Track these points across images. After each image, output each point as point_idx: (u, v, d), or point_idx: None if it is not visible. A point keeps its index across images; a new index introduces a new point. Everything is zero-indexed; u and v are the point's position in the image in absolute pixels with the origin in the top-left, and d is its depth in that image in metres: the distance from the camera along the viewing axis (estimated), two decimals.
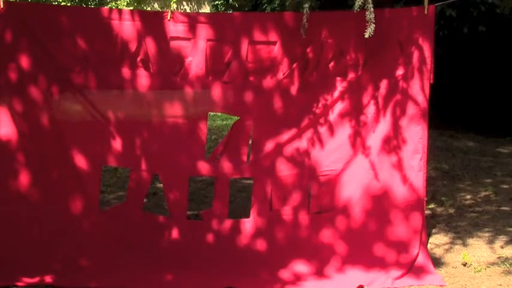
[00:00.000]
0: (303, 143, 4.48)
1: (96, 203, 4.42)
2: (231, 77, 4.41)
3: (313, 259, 4.40)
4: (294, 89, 4.46)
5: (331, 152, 4.45)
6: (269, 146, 4.46)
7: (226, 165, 4.45)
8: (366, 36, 4.04)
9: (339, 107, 4.45)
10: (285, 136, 4.46)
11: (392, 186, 4.43)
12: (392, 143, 4.42)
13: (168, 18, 4.35)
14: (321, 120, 4.46)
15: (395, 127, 4.42)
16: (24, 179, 4.26)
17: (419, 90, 4.40)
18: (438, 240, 5.01)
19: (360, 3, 4.02)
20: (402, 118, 4.42)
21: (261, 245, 4.43)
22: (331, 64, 4.44)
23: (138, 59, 4.35)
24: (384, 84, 4.42)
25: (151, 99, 4.41)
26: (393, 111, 4.42)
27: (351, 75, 4.44)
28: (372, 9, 3.98)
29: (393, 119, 4.42)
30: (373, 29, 4.01)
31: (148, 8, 14.65)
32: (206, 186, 6.24)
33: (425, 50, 4.38)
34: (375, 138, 4.43)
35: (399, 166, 4.42)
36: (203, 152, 4.48)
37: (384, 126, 4.42)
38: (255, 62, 4.43)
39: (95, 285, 4.18)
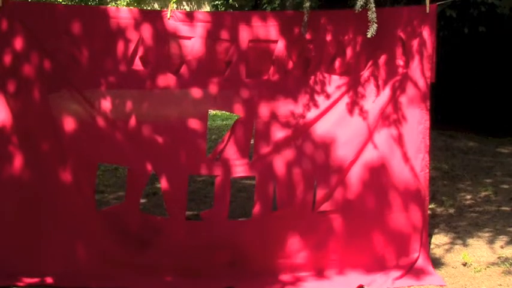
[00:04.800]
0: (305, 142, 4.44)
1: (92, 203, 4.38)
2: (232, 75, 4.39)
3: (313, 259, 4.39)
4: (296, 87, 4.44)
5: (335, 151, 4.42)
6: (271, 144, 4.42)
7: (227, 164, 4.41)
8: (369, 36, 4.04)
9: (342, 105, 4.43)
10: (288, 134, 4.42)
11: (394, 186, 4.41)
12: (395, 142, 4.40)
13: (168, 16, 4.34)
14: (324, 119, 4.43)
15: (398, 126, 4.41)
16: (23, 179, 4.24)
17: (422, 88, 4.40)
18: (438, 240, 5.01)
19: (361, 3, 4.01)
20: (405, 117, 4.41)
21: (261, 245, 4.40)
22: (334, 62, 4.43)
23: (137, 57, 4.33)
24: (386, 82, 4.41)
25: (150, 97, 4.39)
26: (396, 110, 4.41)
27: (354, 74, 4.42)
28: (374, 8, 3.97)
29: (396, 118, 4.41)
30: (375, 28, 4.01)
31: (148, 8, 14.63)
32: (206, 186, 6.24)
33: (428, 48, 4.37)
34: (378, 137, 4.42)
35: (402, 165, 4.40)
36: (203, 151, 4.44)
37: (386, 125, 4.41)
38: (255, 60, 4.42)
39: (95, 285, 4.18)
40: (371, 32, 4.03)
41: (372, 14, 4.00)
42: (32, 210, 4.26)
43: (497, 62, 10.01)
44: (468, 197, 6.17)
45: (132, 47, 4.31)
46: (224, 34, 4.38)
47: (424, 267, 4.41)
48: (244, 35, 4.38)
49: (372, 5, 3.99)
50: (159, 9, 14.04)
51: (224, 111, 7.91)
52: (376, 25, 4.02)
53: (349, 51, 4.41)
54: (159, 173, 4.42)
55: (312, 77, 4.44)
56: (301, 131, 4.44)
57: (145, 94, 4.39)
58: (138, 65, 4.34)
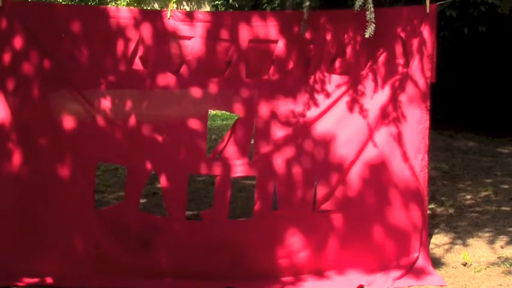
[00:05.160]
0: (306, 141, 4.43)
1: (92, 203, 4.38)
2: (232, 75, 4.39)
3: (314, 259, 4.39)
4: (296, 87, 4.43)
5: (335, 150, 4.41)
6: (272, 144, 4.41)
7: (228, 164, 4.40)
8: (367, 36, 4.04)
9: (342, 104, 4.42)
10: (288, 134, 4.41)
11: (394, 186, 4.40)
12: (395, 142, 4.40)
13: (168, 16, 4.34)
14: (324, 119, 4.43)
15: (398, 125, 4.40)
16: (22, 179, 4.24)
17: (422, 88, 4.39)
18: (438, 240, 5.01)
19: (360, 3, 4.02)
20: (405, 117, 4.40)
21: (261, 245, 4.39)
22: (334, 62, 4.43)
23: (137, 57, 4.33)
24: (386, 82, 4.40)
25: (150, 97, 4.39)
26: (396, 110, 4.40)
27: (354, 73, 4.42)
28: (372, 8, 3.97)
29: (396, 117, 4.40)
30: (373, 28, 4.02)
31: (148, 8, 14.63)
32: (206, 186, 6.24)
33: (428, 47, 4.36)
34: (378, 137, 4.41)
35: (401, 165, 4.40)
36: (203, 151, 4.44)
37: (386, 125, 4.41)
38: (255, 60, 4.41)
39: (95, 285, 4.18)
40: (369, 32, 4.03)
41: (370, 14, 4.01)
42: (31, 210, 4.26)
43: (497, 62, 10.01)
44: (468, 197, 6.16)
45: (132, 46, 4.31)
46: (224, 34, 4.38)
47: (424, 267, 4.40)
48: (244, 34, 4.37)
49: (370, 5, 3.99)
50: (159, 9, 14.04)
51: (224, 111, 7.91)
52: (374, 25, 4.02)
53: (349, 51, 4.40)
54: (159, 173, 4.41)
55: (312, 77, 4.43)
56: (301, 130, 4.43)
57: (145, 94, 4.38)
58: (138, 64, 4.34)
